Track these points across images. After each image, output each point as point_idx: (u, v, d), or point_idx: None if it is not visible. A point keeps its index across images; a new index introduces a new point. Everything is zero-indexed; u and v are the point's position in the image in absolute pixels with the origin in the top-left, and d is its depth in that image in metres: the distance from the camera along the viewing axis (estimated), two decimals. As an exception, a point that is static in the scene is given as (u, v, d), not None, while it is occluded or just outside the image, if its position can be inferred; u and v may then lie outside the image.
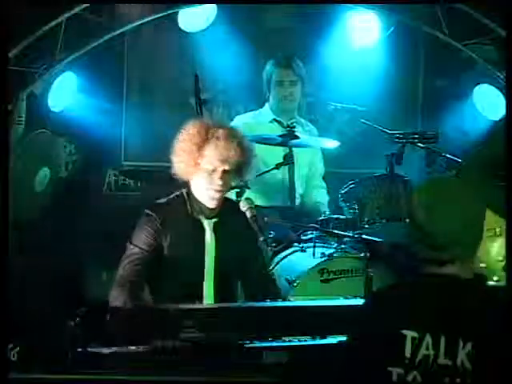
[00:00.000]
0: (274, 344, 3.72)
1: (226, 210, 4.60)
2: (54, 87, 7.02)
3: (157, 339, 3.64)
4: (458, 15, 6.89)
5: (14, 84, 6.47)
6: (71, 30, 6.75)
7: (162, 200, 4.66)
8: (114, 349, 3.62)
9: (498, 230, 4.53)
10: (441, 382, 2.91)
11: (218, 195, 4.49)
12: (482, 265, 4.47)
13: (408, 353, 2.92)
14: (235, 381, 3.51)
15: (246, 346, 3.66)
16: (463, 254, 3.01)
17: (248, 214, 4.61)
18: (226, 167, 4.46)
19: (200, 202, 4.54)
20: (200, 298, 4.46)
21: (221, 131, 4.48)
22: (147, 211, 4.53)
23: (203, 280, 4.50)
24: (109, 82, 7.61)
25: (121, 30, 7.02)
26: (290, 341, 3.75)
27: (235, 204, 4.74)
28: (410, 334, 2.93)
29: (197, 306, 4.12)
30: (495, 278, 4.35)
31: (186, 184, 4.59)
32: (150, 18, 6.93)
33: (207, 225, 4.57)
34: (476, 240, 3.04)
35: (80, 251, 7.20)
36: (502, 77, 6.83)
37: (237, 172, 4.56)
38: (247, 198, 4.83)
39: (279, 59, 6.34)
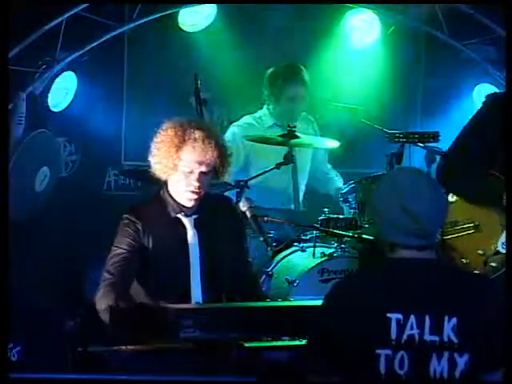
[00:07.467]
0: (274, 344, 3.72)
1: (206, 206, 4.57)
2: (54, 87, 7.03)
3: (157, 339, 3.64)
4: (458, 15, 6.90)
5: (14, 84, 6.47)
6: (71, 30, 6.75)
7: (140, 203, 4.67)
8: (114, 349, 3.62)
9: (478, 223, 4.50)
10: (429, 357, 3.00)
11: (195, 196, 4.46)
12: (464, 260, 4.45)
13: (394, 334, 3.01)
14: (235, 381, 3.51)
15: (246, 345, 3.66)
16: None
17: (248, 214, 4.60)
18: (203, 169, 4.43)
19: (178, 202, 4.54)
20: (188, 295, 4.44)
21: (198, 133, 4.44)
22: (125, 215, 4.51)
23: (189, 277, 4.48)
24: (109, 82, 7.61)
25: (121, 30, 7.03)
26: (289, 340, 3.75)
27: (215, 198, 4.68)
28: (394, 316, 3.02)
29: (197, 306, 4.12)
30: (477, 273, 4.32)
31: (163, 184, 4.57)
32: (149, 18, 6.94)
33: (188, 222, 4.54)
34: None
35: (80, 251, 7.19)
36: (502, 77, 6.83)
37: (214, 173, 4.53)
38: (247, 198, 4.83)
39: (288, 74, 6.29)
